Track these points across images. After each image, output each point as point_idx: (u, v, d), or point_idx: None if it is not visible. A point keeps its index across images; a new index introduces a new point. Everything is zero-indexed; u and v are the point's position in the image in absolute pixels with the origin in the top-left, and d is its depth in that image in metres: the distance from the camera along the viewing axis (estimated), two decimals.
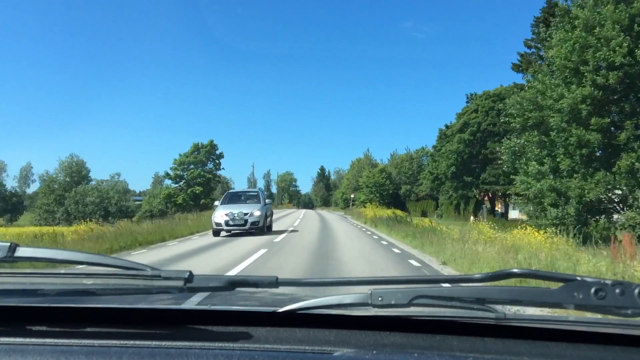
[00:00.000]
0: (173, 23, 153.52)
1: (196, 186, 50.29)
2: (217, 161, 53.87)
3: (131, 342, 0.92)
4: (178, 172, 50.99)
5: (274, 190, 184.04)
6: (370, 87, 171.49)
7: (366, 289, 0.98)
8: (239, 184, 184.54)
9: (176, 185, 51.66)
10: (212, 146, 52.44)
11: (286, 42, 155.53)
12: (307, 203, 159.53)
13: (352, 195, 76.25)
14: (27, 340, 0.94)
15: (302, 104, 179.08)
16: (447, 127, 52.99)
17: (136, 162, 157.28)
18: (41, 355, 0.86)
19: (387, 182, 71.97)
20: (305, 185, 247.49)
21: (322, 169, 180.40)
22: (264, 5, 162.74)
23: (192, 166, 51.14)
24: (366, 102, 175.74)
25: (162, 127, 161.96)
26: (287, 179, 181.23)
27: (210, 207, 46.98)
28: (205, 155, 51.40)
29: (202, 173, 50.67)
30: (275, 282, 1.01)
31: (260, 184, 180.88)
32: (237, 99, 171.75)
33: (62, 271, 1.09)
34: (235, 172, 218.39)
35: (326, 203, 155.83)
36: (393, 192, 73.81)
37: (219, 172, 54.06)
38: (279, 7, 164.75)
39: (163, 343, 0.92)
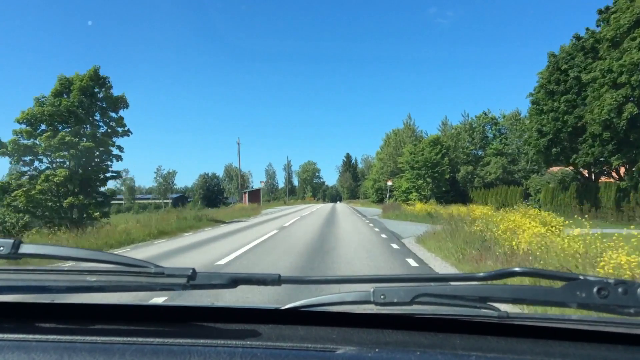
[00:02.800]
0: (176, 21, 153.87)
1: (59, 169, 19.72)
2: (114, 115, 21.71)
3: (134, 339, 0.90)
4: (24, 141, 19.97)
5: (296, 182, 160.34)
6: (396, 69, 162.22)
7: (369, 287, 0.96)
8: (257, 177, 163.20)
9: (25, 169, 20.47)
10: (98, 80, 21.02)
11: (299, 40, 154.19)
12: (334, 196, 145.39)
13: (390, 183, 49.47)
14: (31, 336, 0.92)
15: (321, 92, 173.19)
16: (577, 38, 26.04)
17: (143, 162, 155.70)
18: (44, 352, 0.84)
19: (445, 159, 44.88)
20: (330, 176, 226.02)
21: (348, 157, 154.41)
22: (275, 3, 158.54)
23: (61, 127, 20.41)
24: (390, 88, 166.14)
25: (167, 126, 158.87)
26: (310, 169, 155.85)
27: (94, 218, 21.08)
28: (83, 102, 20.36)
29: (72, 140, 19.57)
30: (278, 280, 0.98)
31: (281, 175, 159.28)
32: (251, 94, 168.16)
33: (66, 268, 1.05)
34: (254, 164, 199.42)
35: (354, 195, 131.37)
36: (450, 176, 46.89)
37: (118, 141, 22.11)
38: (285, 3, 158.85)
39: (166, 340, 0.90)
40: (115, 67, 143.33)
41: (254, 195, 53.22)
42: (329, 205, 61.71)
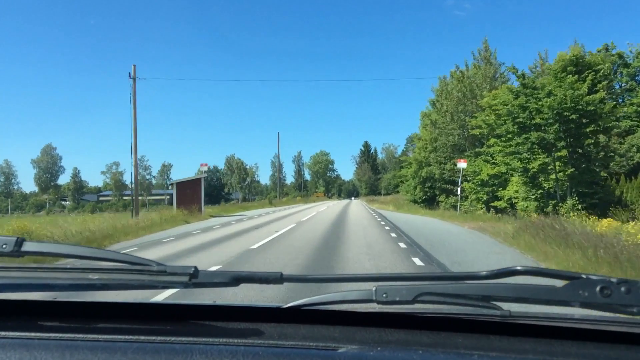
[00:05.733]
0: (177, 17, 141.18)
1: None
2: None
3: (136, 337, 0.89)
4: None
5: (307, 176, 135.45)
6: (413, 61, 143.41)
7: (371, 285, 0.94)
8: (264, 169, 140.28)
9: None
10: None
11: (308, 36, 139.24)
12: (350, 191, 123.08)
13: (462, 164, 22.68)
14: (34, 334, 0.90)
15: (335, 85, 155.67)
16: None
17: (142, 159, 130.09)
18: (47, 350, 0.82)
19: (609, 105, 18.65)
20: (346, 171, 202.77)
21: (366, 146, 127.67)
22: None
23: None
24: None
25: (167, 121, 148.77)
26: (322, 160, 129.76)
27: None
28: None
29: None
30: (280, 278, 0.96)
31: (289, 168, 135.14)
32: (259, 89, 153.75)
33: (69, 266, 1.03)
34: (261, 159, 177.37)
35: (373, 190, 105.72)
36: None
37: None
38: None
39: (167, 338, 0.88)
40: (114, 64, 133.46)
41: (189, 191, 26.36)
42: (337, 208, 36.27)
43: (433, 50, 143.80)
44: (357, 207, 38.39)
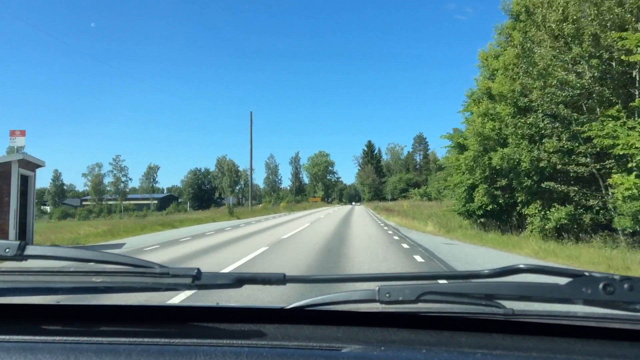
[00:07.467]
0: (177, 18, 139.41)
1: None
2: None
3: (140, 339, 0.89)
4: None
5: (306, 179, 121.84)
6: (413, 66, 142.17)
7: (374, 285, 0.93)
8: (259, 172, 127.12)
9: None
10: None
11: (306, 37, 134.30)
12: (352, 196, 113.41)
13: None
14: (38, 338, 0.90)
15: (335, 88, 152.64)
16: None
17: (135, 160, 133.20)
18: (51, 353, 0.82)
19: None
20: (347, 174, 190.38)
21: (370, 146, 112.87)
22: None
23: None
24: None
25: (167, 124, 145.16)
26: (321, 161, 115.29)
27: None
28: None
29: None
30: (283, 279, 0.95)
31: (286, 171, 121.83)
32: (256, 90, 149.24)
33: (72, 269, 1.01)
34: (256, 160, 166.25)
35: (378, 194, 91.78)
36: None
37: None
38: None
39: (172, 340, 0.88)
40: (114, 63, 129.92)
41: None
42: (327, 226, 21.94)
43: (433, 52, 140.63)
44: (365, 225, 23.11)
